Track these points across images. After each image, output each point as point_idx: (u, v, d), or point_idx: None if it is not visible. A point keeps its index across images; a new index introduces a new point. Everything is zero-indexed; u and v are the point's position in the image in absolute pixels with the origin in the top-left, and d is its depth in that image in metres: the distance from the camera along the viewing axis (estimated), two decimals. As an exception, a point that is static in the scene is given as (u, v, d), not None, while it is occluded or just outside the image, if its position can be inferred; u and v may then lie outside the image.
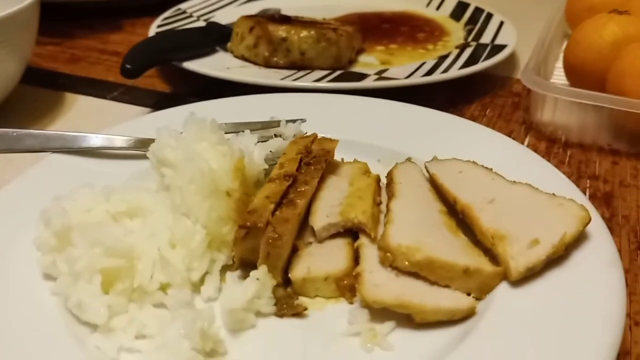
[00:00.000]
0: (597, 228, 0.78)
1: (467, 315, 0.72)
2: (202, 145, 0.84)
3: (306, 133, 1.00)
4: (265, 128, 1.03)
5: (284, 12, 1.67)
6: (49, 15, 1.36)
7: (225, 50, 1.46)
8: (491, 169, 0.88)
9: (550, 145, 1.16)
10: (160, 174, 0.86)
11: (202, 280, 0.79)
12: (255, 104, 1.15)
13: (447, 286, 0.73)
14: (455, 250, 0.75)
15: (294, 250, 0.80)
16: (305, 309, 0.75)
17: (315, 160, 0.89)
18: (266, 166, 0.89)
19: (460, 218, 0.82)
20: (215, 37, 1.46)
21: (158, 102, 1.35)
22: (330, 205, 0.84)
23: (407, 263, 0.72)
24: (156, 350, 0.69)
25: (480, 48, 1.46)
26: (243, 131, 0.93)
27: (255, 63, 1.40)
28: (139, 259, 0.76)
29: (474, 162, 0.90)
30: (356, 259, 0.78)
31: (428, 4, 1.82)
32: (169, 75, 1.46)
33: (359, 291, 0.72)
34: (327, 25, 1.44)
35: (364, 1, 1.83)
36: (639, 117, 1.07)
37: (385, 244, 0.74)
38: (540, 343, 0.66)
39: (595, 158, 1.12)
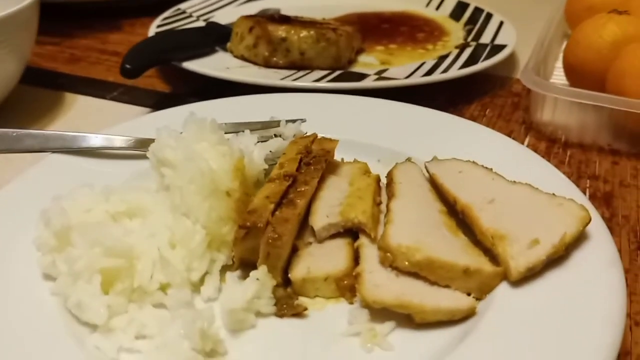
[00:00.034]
0: (597, 228, 0.78)
1: (467, 315, 0.72)
2: (202, 145, 0.84)
3: (306, 133, 0.99)
4: (265, 128, 1.03)
5: (284, 12, 1.67)
6: (48, 15, 1.36)
7: (225, 50, 1.46)
8: (491, 169, 0.88)
9: (550, 145, 1.16)
10: (160, 174, 0.86)
11: (202, 281, 0.79)
12: (255, 104, 1.14)
13: (447, 286, 0.73)
14: (455, 250, 0.75)
15: (294, 250, 0.80)
16: (305, 309, 0.75)
17: (315, 160, 0.89)
18: (266, 166, 0.89)
19: (460, 218, 0.82)
20: (214, 37, 1.46)
21: (158, 102, 1.35)
22: (330, 205, 0.84)
23: (407, 263, 0.72)
24: (156, 350, 0.69)
25: (480, 48, 1.46)
26: (243, 131, 0.93)
27: (255, 63, 1.39)
28: (138, 259, 0.76)
29: (474, 162, 0.90)
30: (356, 259, 0.78)
31: (428, 4, 1.82)
32: (168, 75, 1.46)
33: (359, 291, 0.72)
34: (327, 25, 1.43)
35: (363, 1, 1.83)
36: (639, 117, 1.07)
37: (385, 244, 0.74)
38: (540, 343, 0.66)
39: (595, 158, 1.12)
